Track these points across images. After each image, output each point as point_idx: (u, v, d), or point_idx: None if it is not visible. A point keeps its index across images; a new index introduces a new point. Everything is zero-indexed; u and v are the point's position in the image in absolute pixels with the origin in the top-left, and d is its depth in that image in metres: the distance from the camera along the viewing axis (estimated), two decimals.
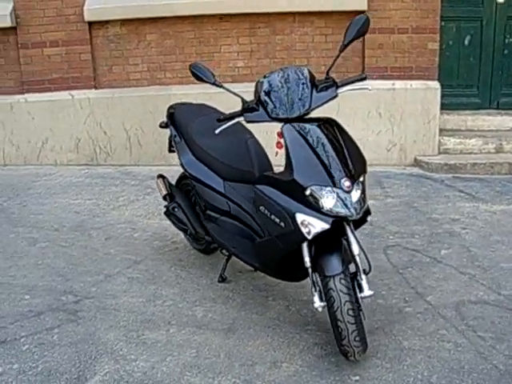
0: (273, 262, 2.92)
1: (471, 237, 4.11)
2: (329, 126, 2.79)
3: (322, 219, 2.60)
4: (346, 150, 2.72)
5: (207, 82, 2.95)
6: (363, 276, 2.68)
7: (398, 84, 5.45)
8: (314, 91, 2.77)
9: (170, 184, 3.76)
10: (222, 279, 3.53)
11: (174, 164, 5.41)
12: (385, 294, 3.38)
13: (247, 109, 2.85)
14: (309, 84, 2.78)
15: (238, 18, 5.42)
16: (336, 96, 2.84)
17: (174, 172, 4.11)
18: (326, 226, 2.60)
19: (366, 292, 2.67)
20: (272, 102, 2.76)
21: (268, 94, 2.78)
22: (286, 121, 2.74)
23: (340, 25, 5.40)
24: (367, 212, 2.77)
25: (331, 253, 2.63)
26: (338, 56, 2.82)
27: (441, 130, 5.68)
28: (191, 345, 2.94)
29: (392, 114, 5.50)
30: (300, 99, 2.74)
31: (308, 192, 2.58)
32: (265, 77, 2.87)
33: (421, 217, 4.47)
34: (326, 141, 2.69)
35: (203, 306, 3.30)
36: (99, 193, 5.14)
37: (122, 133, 5.69)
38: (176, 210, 3.60)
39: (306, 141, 2.66)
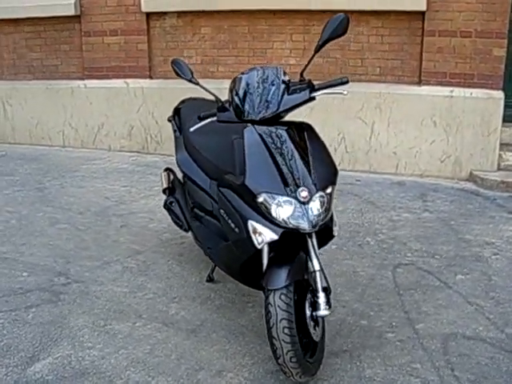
0: (234, 267, 2.81)
1: (499, 264, 3.72)
2: (299, 131, 2.63)
3: (272, 229, 2.45)
4: (311, 159, 2.54)
5: (184, 79, 2.92)
6: (321, 294, 2.50)
7: (457, 91, 5.05)
8: (286, 93, 2.62)
9: (175, 179, 3.74)
10: (210, 279, 3.46)
11: None
12: (372, 315, 3.15)
13: (220, 108, 2.76)
14: (281, 85, 2.62)
15: (291, 14, 5.29)
16: (312, 99, 2.66)
17: None
18: (275, 237, 2.45)
19: (322, 311, 2.49)
20: (241, 103, 2.63)
21: (241, 93, 2.66)
22: (253, 123, 2.62)
23: (398, 26, 5.11)
24: (327, 226, 2.59)
25: (280, 266, 2.47)
26: (312, 57, 2.63)
27: (505, 145, 5.21)
28: (149, 341, 2.90)
29: (448, 124, 5.11)
30: (268, 101, 2.59)
31: (261, 199, 2.44)
32: (243, 73, 2.76)
33: (452, 236, 4.12)
34: (289, 147, 2.53)
35: (180, 303, 3.26)
36: (137, 180, 5.25)
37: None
38: (173, 204, 3.58)
39: (266, 145, 2.52)
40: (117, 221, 4.37)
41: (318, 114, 5.34)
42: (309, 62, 2.65)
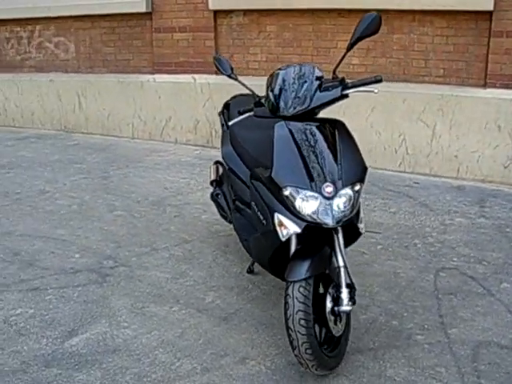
0: (264, 258, 2.87)
1: None
2: (331, 128, 2.66)
3: (296, 222, 2.51)
4: (340, 155, 2.57)
5: (224, 74, 3.01)
6: (344, 289, 2.53)
7: None
8: (318, 90, 2.65)
9: (224, 172, 3.84)
10: (250, 271, 3.54)
11: None
12: (405, 316, 3.12)
13: (257, 103, 2.84)
14: (314, 82, 2.66)
15: (355, 13, 5.25)
16: (344, 96, 2.68)
17: None
18: (298, 230, 2.50)
19: (344, 307, 2.52)
20: (276, 98, 2.69)
21: (276, 89, 2.72)
22: (286, 118, 2.67)
23: (463, 26, 4.97)
24: (352, 224, 2.60)
25: (303, 258, 2.52)
26: (344, 55, 2.66)
27: None
28: (181, 325, 3.02)
29: None
30: (300, 97, 2.64)
31: (286, 193, 2.50)
32: (280, 69, 2.81)
33: (505, 243, 3.98)
34: (318, 143, 2.57)
35: (217, 292, 3.36)
36: (197, 173, 5.40)
37: None
38: (219, 196, 3.68)
39: (295, 140, 2.57)
40: (171, 211, 4.54)
41: (380, 114, 5.31)
42: (341, 61, 2.69)
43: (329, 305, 2.54)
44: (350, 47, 2.64)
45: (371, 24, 2.58)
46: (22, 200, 4.77)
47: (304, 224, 2.49)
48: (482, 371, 2.67)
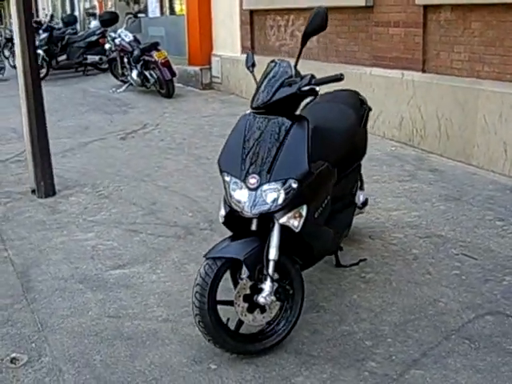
0: None
1: None
2: (290, 124, 2.71)
3: (224, 207, 2.75)
4: (283, 151, 2.66)
5: (246, 66, 3.25)
6: (268, 283, 2.68)
7: None
8: (281, 86, 2.74)
9: None
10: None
11: (473, 165, 5.31)
12: (387, 341, 2.86)
13: None
14: (281, 78, 2.76)
15: None
16: (310, 93, 2.72)
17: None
18: (223, 213, 2.76)
19: (259, 298, 2.67)
20: (256, 91, 2.86)
21: (261, 81, 2.87)
22: (259, 112, 2.83)
23: None
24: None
25: (229, 241, 2.75)
26: (300, 51, 2.71)
27: None
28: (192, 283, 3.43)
29: None
30: (263, 91, 2.78)
31: (226, 178, 2.74)
32: (274, 61, 2.93)
33: None
34: (265, 136, 2.73)
35: None
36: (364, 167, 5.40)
37: (435, 120, 5.59)
38: None
39: (245, 131, 2.74)
40: None
41: None
42: (298, 57, 2.77)
43: (239, 291, 2.69)
44: (302, 44, 2.69)
45: (315, 19, 2.59)
46: (204, 165, 5.66)
47: (228, 209, 2.71)
48: None
